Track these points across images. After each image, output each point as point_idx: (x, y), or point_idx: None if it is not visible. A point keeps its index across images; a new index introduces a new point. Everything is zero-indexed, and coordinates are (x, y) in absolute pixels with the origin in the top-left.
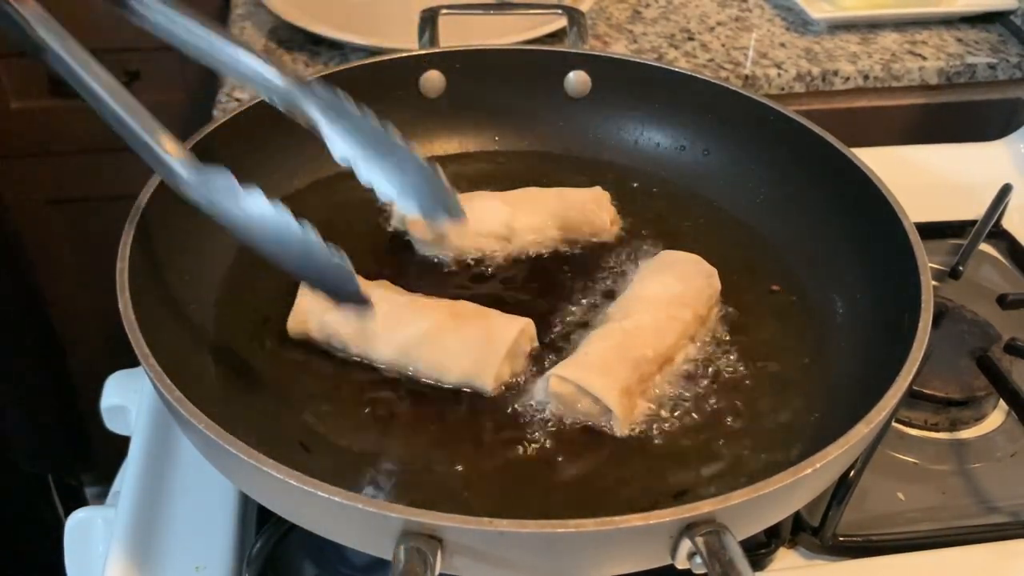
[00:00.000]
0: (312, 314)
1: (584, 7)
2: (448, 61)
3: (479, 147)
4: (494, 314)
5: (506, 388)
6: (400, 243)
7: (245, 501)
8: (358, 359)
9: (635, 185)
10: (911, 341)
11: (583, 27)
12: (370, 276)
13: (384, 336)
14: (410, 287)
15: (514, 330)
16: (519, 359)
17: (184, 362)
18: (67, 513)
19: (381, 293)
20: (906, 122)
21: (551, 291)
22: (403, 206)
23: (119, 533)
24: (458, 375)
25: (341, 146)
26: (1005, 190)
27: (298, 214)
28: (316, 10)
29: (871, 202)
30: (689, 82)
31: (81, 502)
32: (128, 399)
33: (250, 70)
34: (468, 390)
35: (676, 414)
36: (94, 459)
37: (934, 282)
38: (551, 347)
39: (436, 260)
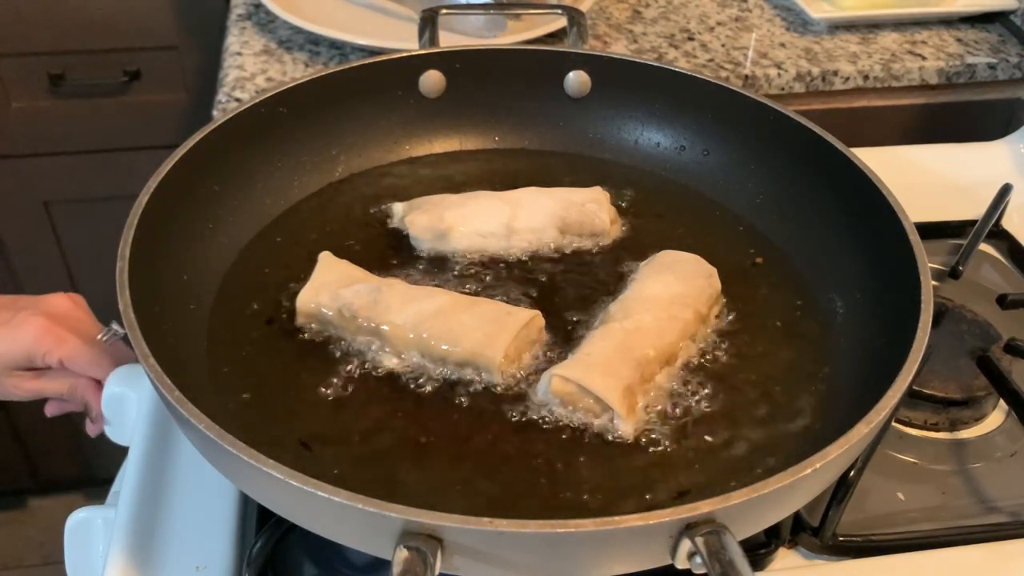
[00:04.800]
0: (327, 287)
1: (584, 7)
2: (448, 61)
3: (479, 147)
4: (507, 304)
5: (509, 383)
6: (401, 243)
7: (245, 501)
8: (367, 325)
9: (635, 185)
10: (911, 341)
11: (583, 27)
12: (376, 274)
13: (399, 308)
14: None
15: (528, 313)
16: (527, 346)
17: (184, 362)
18: None
19: (397, 281)
20: (906, 122)
21: (551, 291)
22: None
23: (119, 533)
24: (468, 346)
25: None
26: (1005, 190)
27: (299, 215)
28: (316, 10)
29: (871, 202)
30: (689, 82)
31: None
32: (131, 385)
33: None
34: (471, 385)
35: (677, 413)
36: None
37: (934, 282)
38: (552, 347)
39: (436, 260)
